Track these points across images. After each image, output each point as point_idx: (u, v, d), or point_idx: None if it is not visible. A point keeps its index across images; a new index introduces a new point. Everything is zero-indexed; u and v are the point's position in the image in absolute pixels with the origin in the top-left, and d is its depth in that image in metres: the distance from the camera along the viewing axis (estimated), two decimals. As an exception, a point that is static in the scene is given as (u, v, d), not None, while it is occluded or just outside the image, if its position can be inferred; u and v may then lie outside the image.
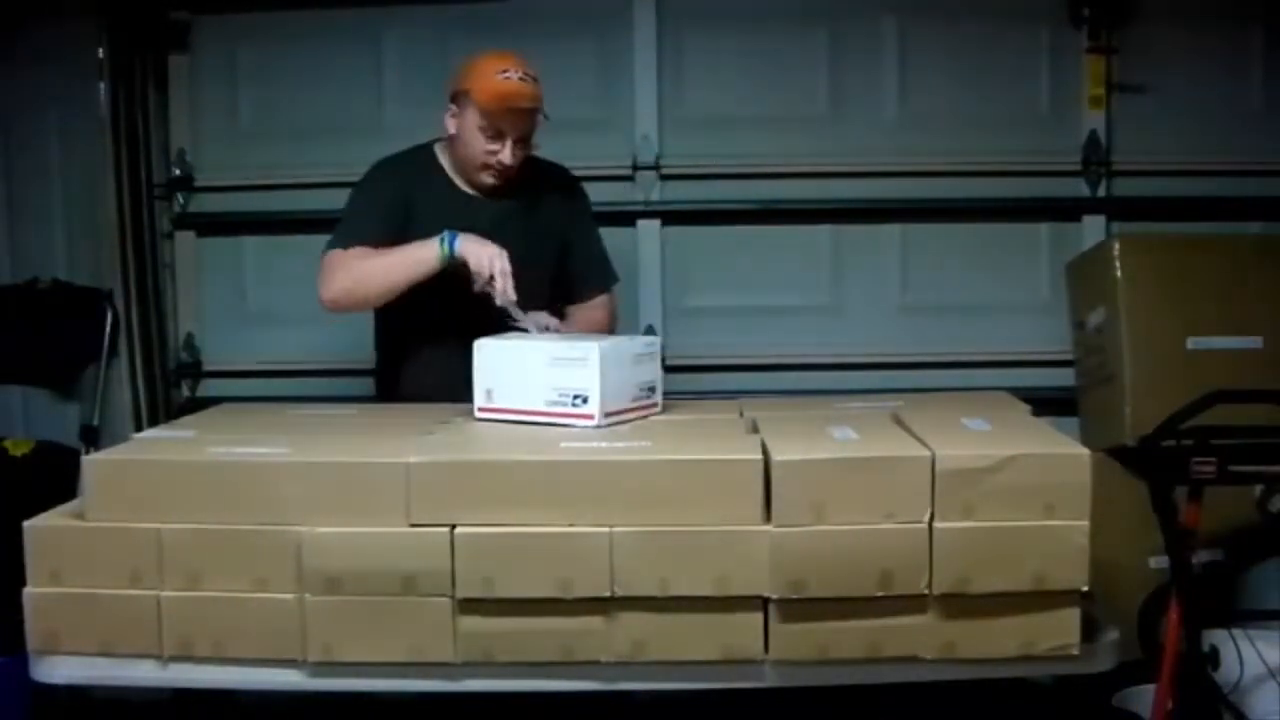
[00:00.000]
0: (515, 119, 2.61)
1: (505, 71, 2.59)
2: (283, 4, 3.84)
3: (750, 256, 3.84)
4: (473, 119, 2.62)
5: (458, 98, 2.65)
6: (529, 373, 2.32)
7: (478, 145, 2.64)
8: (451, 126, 2.68)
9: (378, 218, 2.66)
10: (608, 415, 2.27)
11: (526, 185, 2.76)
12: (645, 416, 2.35)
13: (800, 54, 3.79)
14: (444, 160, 2.76)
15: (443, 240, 2.52)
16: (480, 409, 2.38)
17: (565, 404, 2.28)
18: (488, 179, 2.69)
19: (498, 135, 2.62)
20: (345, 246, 2.62)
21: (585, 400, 2.26)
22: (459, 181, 2.74)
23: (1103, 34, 3.69)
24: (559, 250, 2.83)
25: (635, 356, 2.35)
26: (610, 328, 2.86)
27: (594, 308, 2.86)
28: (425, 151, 2.79)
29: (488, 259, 2.48)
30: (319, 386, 3.74)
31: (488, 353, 2.37)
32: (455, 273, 2.53)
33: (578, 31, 3.77)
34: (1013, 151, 3.74)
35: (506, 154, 2.63)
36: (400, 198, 2.70)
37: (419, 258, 2.54)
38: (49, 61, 3.75)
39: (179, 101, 3.87)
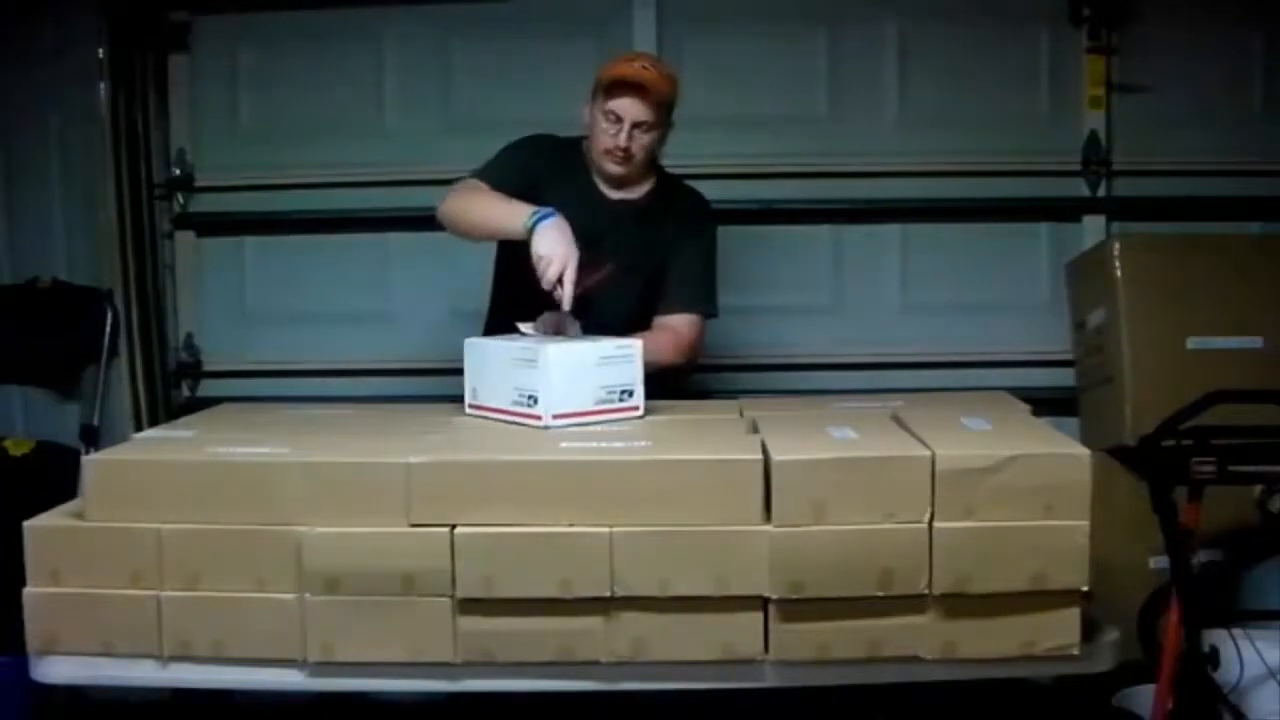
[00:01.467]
0: (630, 99, 2.67)
1: (633, 60, 2.75)
2: (283, 4, 3.83)
3: (750, 256, 3.83)
4: (598, 103, 2.72)
5: (594, 88, 2.75)
6: (499, 372, 2.37)
7: (599, 128, 2.72)
8: (586, 115, 2.77)
9: (513, 172, 2.73)
10: (556, 417, 2.27)
11: (655, 197, 2.85)
12: (615, 420, 2.34)
13: (800, 54, 3.79)
14: (587, 152, 2.81)
15: (533, 215, 2.50)
16: (468, 405, 2.45)
17: (522, 404, 2.32)
18: (610, 165, 2.75)
19: (616, 119, 2.69)
20: (479, 177, 2.73)
21: (535, 401, 2.29)
22: (594, 175, 2.80)
23: (1103, 34, 3.69)
24: (663, 263, 2.83)
25: (601, 359, 2.34)
26: (681, 355, 2.79)
27: (667, 325, 2.79)
28: (575, 141, 2.85)
29: (554, 259, 2.44)
30: (319, 386, 3.74)
31: (472, 351, 2.45)
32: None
33: (578, 31, 3.77)
34: (1013, 151, 3.74)
35: (623, 137, 2.69)
36: (535, 172, 2.76)
37: (509, 219, 2.55)
38: (49, 61, 3.74)
39: (179, 101, 3.86)
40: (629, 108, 2.68)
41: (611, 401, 2.34)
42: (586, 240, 2.64)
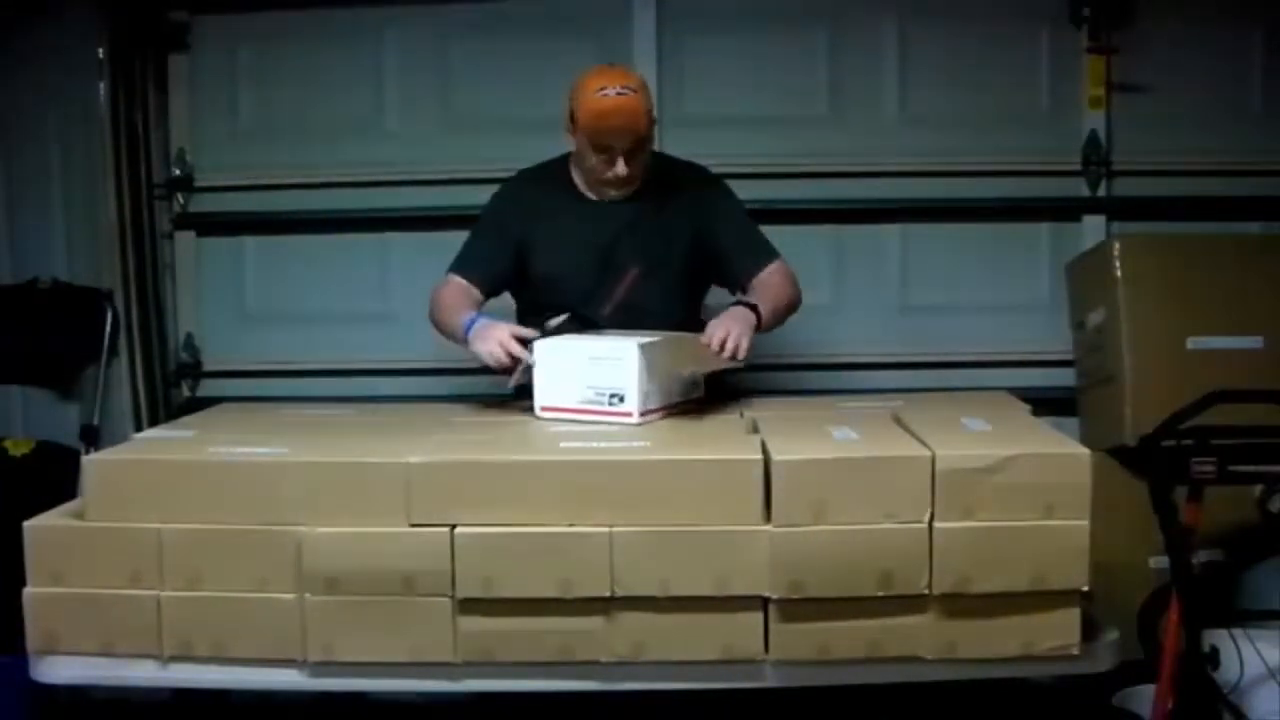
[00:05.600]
0: (617, 135, 2.63)
1: (603, 89, 2.60)
2: (283, 4, 3.83)
3: (751, 256, 3.83)
4: (583, 137, 2.66)
5: (572, 115, 2.68)
6: (573, 371, 2.39)
7: (592, 162, 2.68)
8: (571, 143, 2.73)
9: (489, 248, 2.78)
10: (644, 414, 2.34)
11: (657, 186, 2.79)
12: (686, 410, 2.45)
13: (800, 54, 3.78)
14: (575, 171, 2.79)
15: (464, 327, 2.59)
16: (540, 408, 2.42)
17: (602, 403, 2.37)
18: (610, 190, 2.73)
19: (606, 150, 2.64)
20: (455, 271, 2.77)
21: (621, 399, 2.34)
22: (586, 190, 2.78)
23: (1103, 34, 3.68)
24: (693, 247, 2.81)
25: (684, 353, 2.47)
26: (795, 285, 2.84)
27: (763, 280, 2.79)
28: (559, 163, 2.83)
29: (492, 354, 2.51)
30: (319, 386, 3.74)
31: (544, 353, 2.43)
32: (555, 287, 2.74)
33: (578, 31, 3.77)
34: (1013, 151, 3.74)
35: (620, 167, 2.66)
36: (514, 229, 2.78)
37: (457, 332, 2.64)
38: (49, 61, 3.74)
39: (179, 101, 3.86)
40: (618, 139, 2.63)
41: (690, 393, 2.51)
42: (600, 254, 2.70)
